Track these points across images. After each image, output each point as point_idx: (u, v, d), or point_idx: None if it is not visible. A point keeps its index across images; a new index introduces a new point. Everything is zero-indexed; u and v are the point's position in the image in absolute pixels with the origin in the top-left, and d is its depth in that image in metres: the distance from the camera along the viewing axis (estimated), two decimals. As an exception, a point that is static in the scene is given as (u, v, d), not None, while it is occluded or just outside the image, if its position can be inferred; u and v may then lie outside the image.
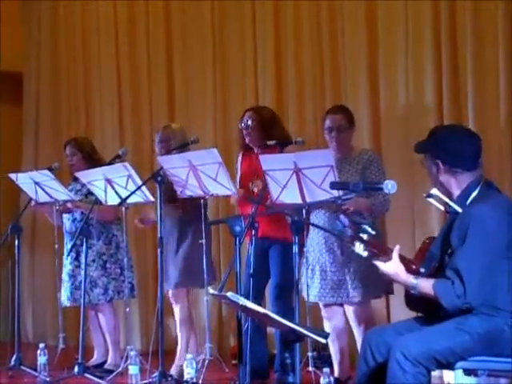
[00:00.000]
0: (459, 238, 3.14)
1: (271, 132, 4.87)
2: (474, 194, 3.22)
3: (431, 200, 3.31)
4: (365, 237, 3.11)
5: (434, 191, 3.27)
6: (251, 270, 4.07)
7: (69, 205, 5.49)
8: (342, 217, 3.24)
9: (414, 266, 3.18)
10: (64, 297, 5.63)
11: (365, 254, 3.13)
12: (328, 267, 4.52)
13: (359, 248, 3.13)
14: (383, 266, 3.16)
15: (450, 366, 3.13)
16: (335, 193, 3.99)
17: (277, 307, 4.75)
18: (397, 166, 5.31)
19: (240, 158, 5.15)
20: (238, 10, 6.33)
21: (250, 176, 4.91)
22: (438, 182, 3.29)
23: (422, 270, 3.18)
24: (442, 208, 3.34)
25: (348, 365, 4.69)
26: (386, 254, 3.15)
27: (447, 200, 3.25)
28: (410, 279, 3.12)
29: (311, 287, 4.58)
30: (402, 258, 3.17)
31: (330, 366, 4.60)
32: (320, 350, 5.23)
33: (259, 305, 3.74)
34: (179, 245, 5.22)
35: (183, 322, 5.28)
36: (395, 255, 3.14)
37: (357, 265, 4.43)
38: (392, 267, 3.14)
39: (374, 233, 3.14)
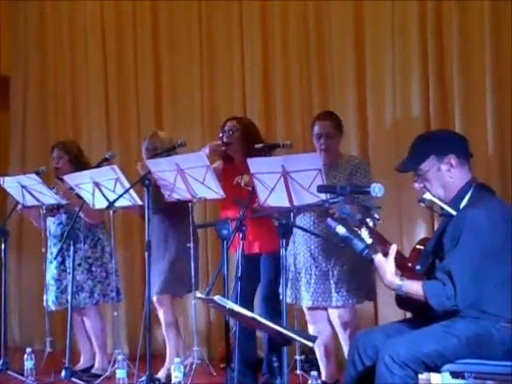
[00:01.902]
0: (451, 241, 3.14)
1: (253, 142, 4.86)
2: (467, 196, 3.22)
3: (423, 205, 3.31)
4: (370, 223, 3.12)
5: (427, 195, 3.27)
6: (239, 274, 4.08)
7: (62, 192, 5.45)
8: (329, 220, 3.24)
9: (409, 264, 3.19)
10: (49, 301, 5.61)
11: (370, 240, 3.13)
12: (313, 271, 4.54)
13: (365, 234, 3.13)
14: (379, 258, 3.13)
15: (437, 369, 3.14)
16: (323, 196, 3.99)
17: (264, 309, 4.75)
18: (384, 171, 5.32)
19: (219, 166, 5.07)
20: (225, 10, 6.32)
21: (230, 188, 4.81)
22: (444, 185, 3.25)
23: (418, 267, 3.18)
24: (435, 213, 3.34)
25: (335, 368, 4.69)
26: (383, 246, 3.15)
27: (441, 203, 3.25)
28: (395, 280, 3.11)
29: (298, 291, 4.59)
30: (399, 255, 3.17)
31: (318, 369, 4.60)
32: (308, 353, 5.22)
33: (251, 309, 3.74)
34: (165, 250, 5.20)
35: (169, 326, 5.27)
36: (392, 255, 3.13)
37: (340, 269, 4.46)
38: (384, 264, 3.12)
39: (379, 220, 3.14)
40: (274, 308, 4.65)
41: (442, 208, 3.27)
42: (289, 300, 4.60)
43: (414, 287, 3.10)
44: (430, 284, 3.09)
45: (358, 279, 4.46)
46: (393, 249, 3.14)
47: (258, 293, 4.97)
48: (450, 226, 3.19)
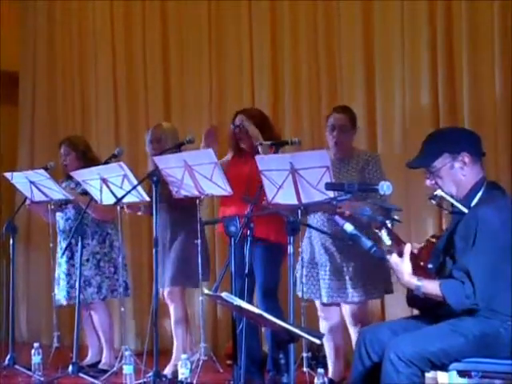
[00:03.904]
0: (464, 239, 3.13)
1: (264, 132, 4.85)
2: (479, 194, 3.22)
3: (433, 202, 3.29)
4: (389, 225, 3.11)
5: (439, 192, 3.25)
6: (246, 271, 4.07)
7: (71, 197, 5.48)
8: (337, 217, 3.23)
9: (421, 263, 3.17)
10: (60, 296, 5.63)
11: (389, 242, 3.12)
12: (327, 266, 4.54)
13: (385, 235, 3.12)
14: (394, 259, 3.12)
15: (443, 368, 3.12)
16: (331, 194, 3.98)
17: (264, 307, 4.74)
18: (393, 167, 5.30)
19: (229, 158, 5.08)
20: (235, 8, 6.33)
21: (238, 179, 4.82)
22: (457, 183, 3.23)
23: (430, 265, 3.16)
24: (445, 211, 3.32)
25: (342, 366, 4.69)
26: (398, 246, 3.14)
27: (453, 201, 3.23)
28: (413, 281, 3.09)
29: (311, 286, 4.59)
30: (411, 254, 3.16)
31: (325, 366, 4.59)
32: (315, 350, 5.22)
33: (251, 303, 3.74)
34: (172, 244, 5.22)
35: (179, 322, 5.28)
36: (407, 255, 3.11)
37: (356, 264, 4.44)
38: (400, 265, 3.11)
39: (399, 220, 3.14)
40: (273, 305, 4.66)
41: (452, 205, 3.25)
42: (306, 296, 4.61)
43: (433, 287, 3.07)
44: (448, 284, 3.07)
45: (375, 273, 4.45)
46: (407, 248, 3.11)
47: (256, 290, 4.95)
48: (461, 225, 3.17)
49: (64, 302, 5.63)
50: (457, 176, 3.24)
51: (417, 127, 5.23)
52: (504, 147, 4.93)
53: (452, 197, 3.25)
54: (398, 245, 3.15)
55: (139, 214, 5.43)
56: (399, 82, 5.44)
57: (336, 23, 5.78)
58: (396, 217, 3.17)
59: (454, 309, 3.06)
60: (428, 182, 3.31)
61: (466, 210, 3.19)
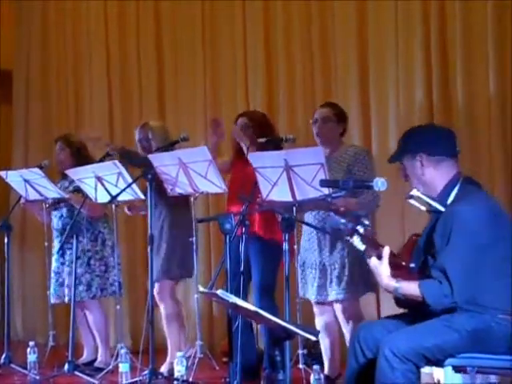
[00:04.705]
0: (442, 237, 3.14)
1: (265, 135, 4.86)
2: (455, 191, 3.22)
3: (412, 201, 3.30)
4: (361, 230, 3.12)
5: (415, 192, 3.26)
6: (241, 268, 4.09)
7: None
8: (332, 214, 3.24)
9: (403, 263, 3.19)
10: (51, 294, 5.64)
11: (363, 247, 3.14)
12: (317, 265, 4.56)
13: (357, 241, 3.13)
14: (373, 262, 3.14)
15: (439, 363, 3.14)
16: (325, 190, 4.00)
17: (259, 306, 4.74)
18: (387, 166, 5.30)
19: (230, 159, 5.11)
20: (229, 9, 6.34)
21: (238, 182, 4.86)
22: (422, 182, 3.26)
23: (413, 265, 3.18)
24: (423, 208, 3.34)
25: (338, 362, 4.70)
26: (376, 249, 3.16)
27: (428, 200, 3.24)
28: (392, 283, 3.11)
29: (306, 285, 4.60)
30: (391, 255, 3.17)
31: (321, 363, 4.60)
32: (310, 347, 5.24)
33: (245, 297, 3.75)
34: (161, 241, 5.19)
35: (170, 319, 5.26)
36: (385, 258, 3.13)
37: (339, 263, 4.47)
38: (379, 268, 3.13)
39: (369, 225, 3.16)
40: (270, 304, 4.66)
41: (429, 204, 3.26)
42: (301, 293, 4.64)
43: (411, 288, 3.10)
44: (426, 283, 3.09)
45: (358, 272, 4.47)
46: (386, 251, 3.14)
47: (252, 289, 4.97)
48: (439, 223, 3.18)
49: (52, 300, 5.64)
50: (417, 175, 3.27)
51: (411, 125, 5.22)
52: (498, 146, 4.95)
53: (428, 196, 3.26)
54: (375, 248, 3.17)
55: (142, 213, 5.44)
56: (393, 81, 5.46)
57: (330, 23, 5.80)
58: (366, 221, 3.18)
59: (433, 309, 3.09)
60: (403, 179, 3.34)
61: (442, 209, 3.21)
